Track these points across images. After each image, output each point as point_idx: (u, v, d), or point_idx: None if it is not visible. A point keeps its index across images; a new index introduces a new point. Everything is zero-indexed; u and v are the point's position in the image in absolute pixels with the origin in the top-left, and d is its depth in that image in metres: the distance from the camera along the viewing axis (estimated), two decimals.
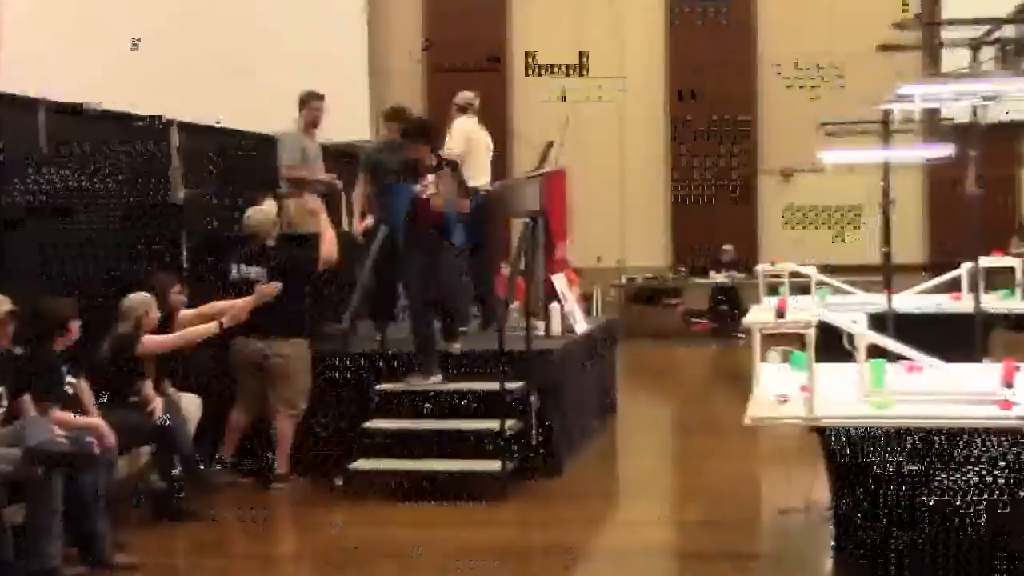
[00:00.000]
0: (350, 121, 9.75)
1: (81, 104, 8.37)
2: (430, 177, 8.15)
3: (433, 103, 16.88)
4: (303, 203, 9.00)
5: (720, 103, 18.73)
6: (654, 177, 19.16)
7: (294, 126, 9.59)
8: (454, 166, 8.49)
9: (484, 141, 10.03)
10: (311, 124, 9.62)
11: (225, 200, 9.85)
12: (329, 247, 8.39)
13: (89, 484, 6.30)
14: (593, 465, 9.12)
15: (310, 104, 9.59)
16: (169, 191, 9.22)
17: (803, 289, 10.36)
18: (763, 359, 6.05)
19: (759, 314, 9.16)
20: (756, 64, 18.85)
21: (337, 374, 8.60)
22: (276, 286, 8.10)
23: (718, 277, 18.22)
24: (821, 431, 5.42)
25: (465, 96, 10.15)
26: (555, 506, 7.94)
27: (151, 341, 7.61)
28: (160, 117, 9.26)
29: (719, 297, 18.33)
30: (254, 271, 8.25)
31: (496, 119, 17.45)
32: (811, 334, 5.16)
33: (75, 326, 6.94)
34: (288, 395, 8.26)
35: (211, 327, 7.90)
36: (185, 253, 9.28)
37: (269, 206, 8.74)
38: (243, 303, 8.05)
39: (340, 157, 11.05)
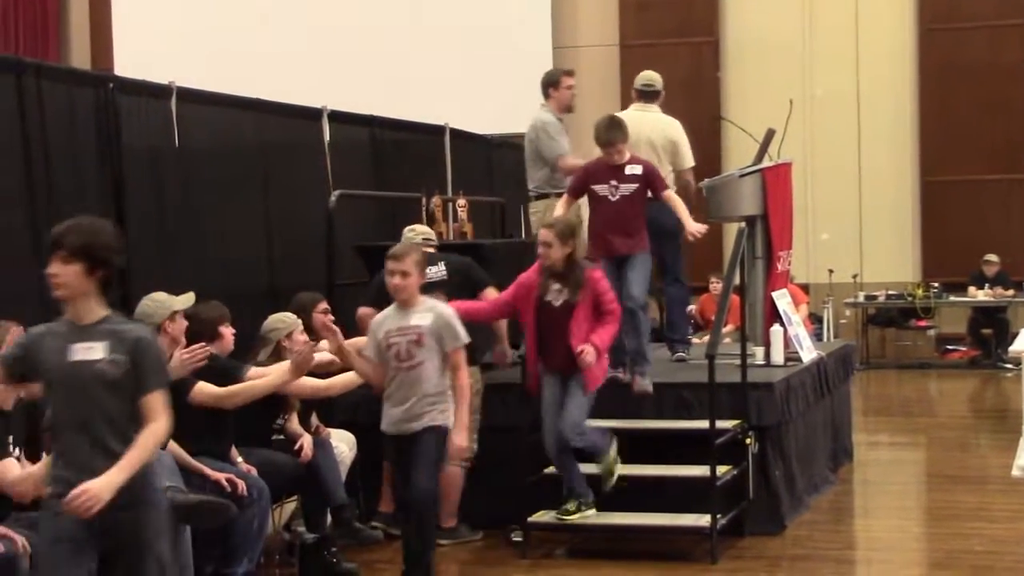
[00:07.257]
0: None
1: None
2: None
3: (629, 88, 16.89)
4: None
5: (987, 74, 18.25)
6: (900, 170, 18.83)
7: (544, 112, 9.43)
8: None
9: (660, 132, 9.42)
10: (565, 108, 9.54)
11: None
12: None
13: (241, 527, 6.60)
14: (823, 523, 9.04)
15: (562, 82, 9.47)
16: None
17: None
18: None
19: None
20: None
21: (512, 410, 8.66)
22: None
23: (980, 295, 17.85)
24: None
25: (649, 77, 9.75)
26: (775, 572, 7.92)
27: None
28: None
29: (981, 319, 17.97)
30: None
31: (705, 103, 17.51)
32: None
33: (228, 332, 7.24)
34: None
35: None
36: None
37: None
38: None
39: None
